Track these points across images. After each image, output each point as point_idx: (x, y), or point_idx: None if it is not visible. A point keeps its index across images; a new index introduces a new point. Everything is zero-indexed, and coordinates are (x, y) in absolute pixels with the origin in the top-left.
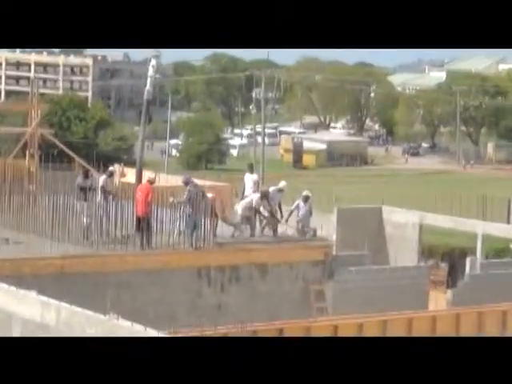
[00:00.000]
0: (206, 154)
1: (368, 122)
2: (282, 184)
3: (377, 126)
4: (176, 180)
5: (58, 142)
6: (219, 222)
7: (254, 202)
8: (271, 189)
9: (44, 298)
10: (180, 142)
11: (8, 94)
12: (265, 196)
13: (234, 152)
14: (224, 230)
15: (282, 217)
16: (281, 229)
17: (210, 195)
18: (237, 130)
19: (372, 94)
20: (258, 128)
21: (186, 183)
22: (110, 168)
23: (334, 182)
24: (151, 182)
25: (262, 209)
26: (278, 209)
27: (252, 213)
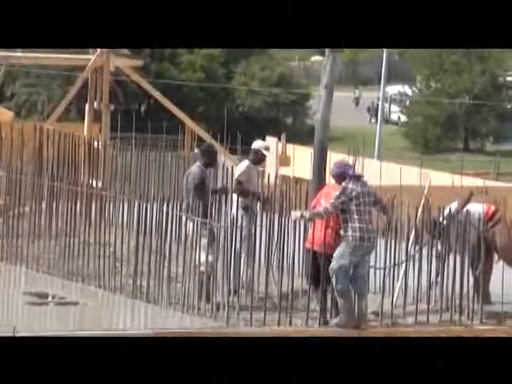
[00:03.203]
0: (469, 118)
1: None
2: None
3: None
4: (409, 174)
5: (150, 87)
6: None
7: None
8: None
9: None
10: (410, 92)
11: None
12: None
13: None
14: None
15: None
16: None
17: (477, 207)
18: None
19: None
20: None
21: (341, 177)
22: (258, 143)
23: None
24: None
25: None
26: None
27: None
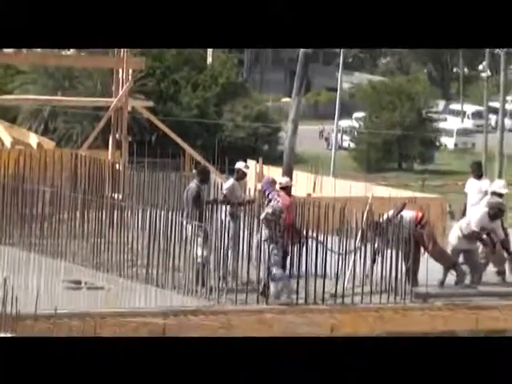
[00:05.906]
0: (401, 145)
1: None
2: (498, 185)
3: None
4: (356, 188)
5: (158, 122)
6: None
7: (475, 225)
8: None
9: None
10: (357, 125)
11: None
12: (498, 212)
13: (449, 142)
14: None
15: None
16: None
17: (409, 213)
18: (454, 106)
19: None
20: (494, 102)
21: (265, 193)
22: (240, 164)
23: None
24: (285, 187)
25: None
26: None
27: (474, 244)
